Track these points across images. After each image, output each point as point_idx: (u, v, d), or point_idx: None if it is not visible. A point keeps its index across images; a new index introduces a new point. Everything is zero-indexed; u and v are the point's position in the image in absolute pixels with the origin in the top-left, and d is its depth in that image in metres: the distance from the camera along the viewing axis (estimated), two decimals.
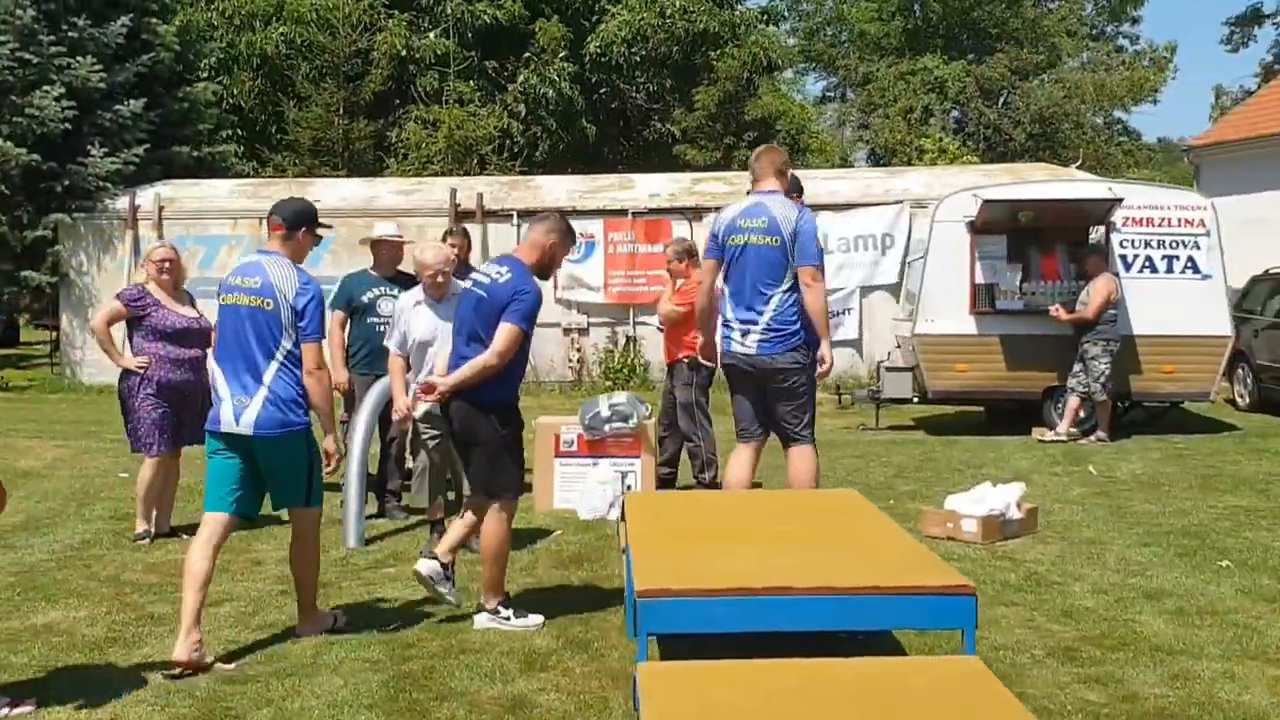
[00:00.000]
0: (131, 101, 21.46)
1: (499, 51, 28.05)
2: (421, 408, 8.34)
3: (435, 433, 8.34)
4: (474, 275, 6.88)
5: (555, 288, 19.30)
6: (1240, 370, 16.03)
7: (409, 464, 9.32)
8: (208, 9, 27.32)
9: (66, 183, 20.47)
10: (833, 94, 42.33)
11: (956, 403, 15.13)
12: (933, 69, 33.53)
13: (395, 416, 8.42)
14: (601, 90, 29.79)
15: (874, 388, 15.40)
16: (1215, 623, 6.52)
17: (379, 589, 7.36)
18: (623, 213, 19.31)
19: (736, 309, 7.53)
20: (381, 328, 9.29)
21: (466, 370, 6.40)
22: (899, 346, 15.68)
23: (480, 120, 26.09)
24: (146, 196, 20.29)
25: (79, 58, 20.96)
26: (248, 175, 25.08)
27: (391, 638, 6.33)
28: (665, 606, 4.22)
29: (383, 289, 9.51)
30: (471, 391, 6.42)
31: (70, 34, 21.18)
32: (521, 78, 26.99)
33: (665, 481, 10.21)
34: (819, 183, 18.74)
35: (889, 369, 15.09)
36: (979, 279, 14.06)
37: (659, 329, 10.97)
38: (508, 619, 6.48)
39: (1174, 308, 13.69)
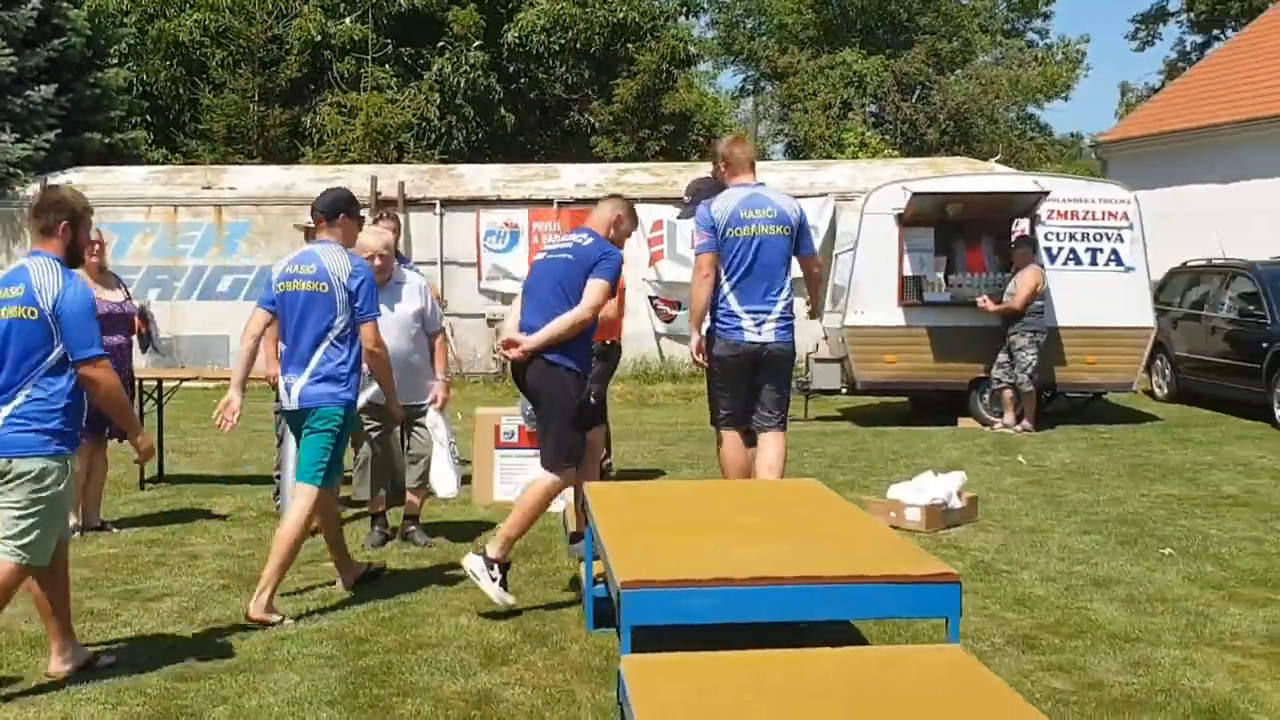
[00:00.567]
0: (42, 87, 20.92)
1: (415, 38, 27.73)
2: (363, 398, 8.20)
3: (377, 424, 8.19)
4: (551, 245, 6.99)
5: (479, 278, 19.16)
6: (1159, 361, 16.30)
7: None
8: None
9: None
10: (751, 87, 42.48)
11: (885, 394, 15.23)
12: (851, 63, 33.71)
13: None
14: (520, 80, 29.58)
15: (803, 379, 15.43)
16: (1167, 610, 6.58)
17: (323, 583, 7.20)
18: (548, 202, 19.17)
19: (745, 300, 7.41)
20: None
21: (556, 326, 6.49)
22: (825, 338, 15.73)
23: (398, 107, 25.77)
24: (58, 183, 19.77)
25: None
26: (159, 163, 24.57)
27: (343, 632, 6.20)
28: (648, 598, 4.15)
29: None
30: (552, 354, 6.52)
31: None
32: (436, 65, 26.70)
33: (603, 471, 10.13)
34: None
35: (818, 360, 15.14)
36: (907, 271, 14.16)
37: None
38: (494, 579, 6.42)
39: (1097, 299, 13.88)
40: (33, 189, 19.62)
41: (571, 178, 20.10)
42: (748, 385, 7.47)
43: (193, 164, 23.91)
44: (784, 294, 7.49)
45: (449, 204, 19.16)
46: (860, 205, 14.44)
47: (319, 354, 6.54)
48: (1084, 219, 14.08)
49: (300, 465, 6.64)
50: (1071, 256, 14.06)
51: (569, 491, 8.98)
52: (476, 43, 26.59)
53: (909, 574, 4.18)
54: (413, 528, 8.30)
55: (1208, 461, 11.68)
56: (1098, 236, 14.06)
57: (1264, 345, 13.97)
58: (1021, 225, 14.36)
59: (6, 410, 5.26)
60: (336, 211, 6.79)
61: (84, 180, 19.98)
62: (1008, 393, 13.58)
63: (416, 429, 8.27)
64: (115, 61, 24.97)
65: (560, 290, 6.57)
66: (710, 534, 5.00)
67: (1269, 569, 7.47)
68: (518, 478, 9.56)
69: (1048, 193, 13.83)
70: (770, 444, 7.45)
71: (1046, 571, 7.40)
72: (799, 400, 15.56)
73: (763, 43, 38.86)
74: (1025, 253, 13.59)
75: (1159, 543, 8.17)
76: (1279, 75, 23.92)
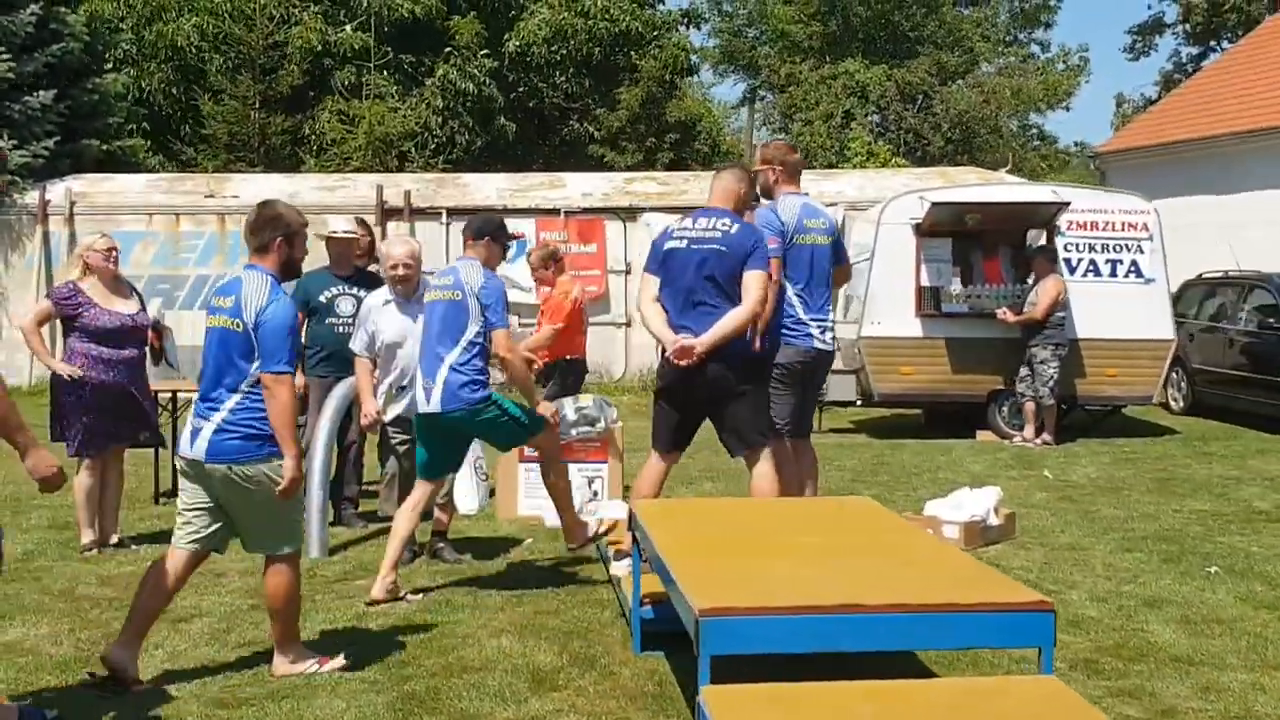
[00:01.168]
0: (41, 93, 20.67)
1: (416, 47, 27.55)
2: (392, 411, 8.03)
3: (405, 437, 8.02)
4: (690, 233, 6.90)
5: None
6: (1175, 374, 16.14)
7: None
8: None
9: None
10: (752, 96, 42.30)
11: (901, 406, 15.07)
12: (854, 73, 33.57)
13: (363, 421, 8.06)
14: (519, 89, 29.40)
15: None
16: (1225, 631, 6.42)
17: (356, 603, 7.00)
18: (555, 212, 18.99)
19: (809, 308, 7.46)
20: (340, 329, 8.93)
21: (726, 327, 6.62)
22: (840, 349, 15.54)
23: (401, 116, 25.57)
24: (57, 191, 19.58)
25: None
26: (156, 170, 24.33)
27: (383, 655, 6.00)
28: (729, 626, 3.97)
29: (341, 288, 9.11)
30: (726, 348, 6.64)
31: None
32: (440, 72, 26.52)
33: None
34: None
35: (832, 371, 14.92)
36: (924, 281, 13.99)
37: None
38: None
39: (1117, 312, 13.72)
40: (31, 196, 19.40)
41: (578, 187, 19.92)
42: (805, 392, 7.51)
43: (192, 172, 23.67)
44: (829, 302, 7.60)
45: (455, 213, 18.94)
46: (877, 215, 14.27)
47: (452, 357, 6.95)
48: (1103, 230, 13.93)
49: (508, 437, 7.44)
50: (1091, 268, 13.90)
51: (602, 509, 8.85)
52: (483, 50, 26.39)
53: (1004, 602, 4.01)
54: (441, 544, 8.10)
55: (1234, 476, 11.53)
56: (1117, 248, 13.91)
57: None
58: (1034, 236, 14.25)
59: (218, 418, 5.50)
60: (483, 234, 7.33)
61: (84, 188, 19.79)
62: (1030, 405, 13.41)
63: None
64: (112, 67, 24.74)
65: (715, 285, 6.65)
66: (778, 556, 4.83)
67: None
68: (541, 492, 9.38)
69: (1068, 203, 13.69)
70: (806, 450, 7.61)
71: (1095, 591, 7.23)
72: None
73: (764, 52, 38.74)
74: (1045, 263, 13.43)
75: (1203, 560, 8.02)
76: (1275, 88, 23.89)
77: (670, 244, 6.87)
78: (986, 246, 14.36)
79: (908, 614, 3.97)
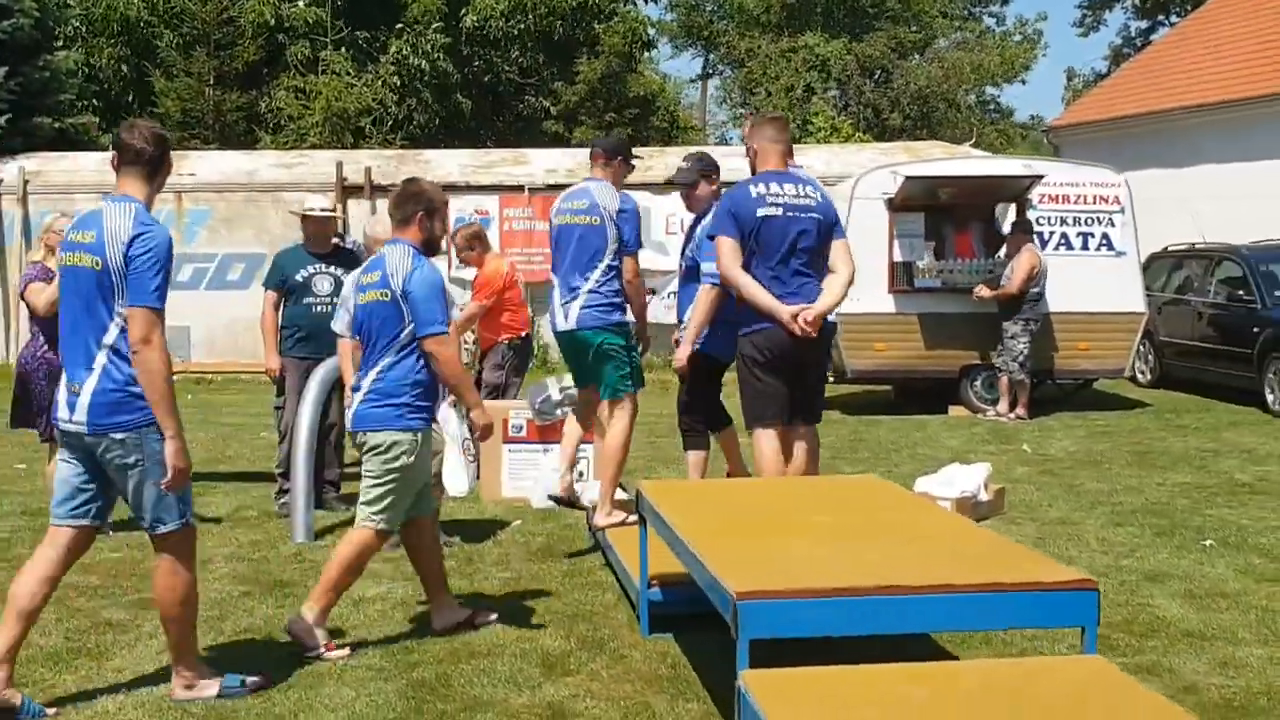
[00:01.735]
0: None
1: (370, 21, 27.17)
2: None
3: None
4: (789, 200, 6.64)
5: (449, 266, 18.73)
6: (1142, 347, 16.18)
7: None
8: None
9: None
10: (706, 71, 42.15)
11: (875, 382, 15.01)
12: (814, 46, 33.46)
13: (349, 403, 7.87)
14: (474, 64, 29.09)
15: None
16: (1231, 605, 6.40)
17: (350, 589, 6.83)
18: (519, 189, 18.78)
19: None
20: (318, 308, 8.74)
21: (838, 293, 6.65)
22: None
23: (357, 92, 25.23)
24: (10, 170, 19.18)
25: None
26: (107, 148, 23.84)
27: (386, 640, 5.87)
28: (768, 609, 3.86)
29: (318, 267, 8.90)
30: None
31: None
32: (394, 48, 26.19)
33: None
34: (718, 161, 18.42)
35: None
36: (897, 257, 13.92)
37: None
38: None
39: (1089, 284, 13.72)
40: None
41: (542, 163, 19.72)
42: None
43: None
44: None
45: None
46: (849, 191, 14.18)
47: (591, 281, 7.03)
48: (1075, 203, 13.93)
49: (605, 387, 7.22)
50: (1063, 241, 13.91)
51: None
52: (438, 24, 26.06)
53: (1046, 581, 3.93)
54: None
55: (1211, 449, 11.56)
56: (1089, 221, 13.92)
57: (1254, 330, 13.89)
58: (1003, 210, 14.24)
59: (365, 387, 5.77)
60: (617, 153, 7.32)
61: (38, 166, 19.40)
62: (1003, 380, 13.40)
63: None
64: (61, 44, 24.26)
65: (811, 254, 6.61)
66: (802, 536, 4.72)
67: None
68: (527, 473, 9.28)
69: (1042, 177, 13.65)
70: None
71: (1094, 566, 7.18)
72: None
73: (723, 27, 38.54)
74: (1021, 235, 13.39)
75: (1195, 534, 8.01)
76: (1227, 60, 24.05)
77: (764, 211, 6.56)
78: (957, 221, 14.29)
79: (950, 594, 3.88)
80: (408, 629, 6.07)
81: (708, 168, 7.82)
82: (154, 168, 5.12)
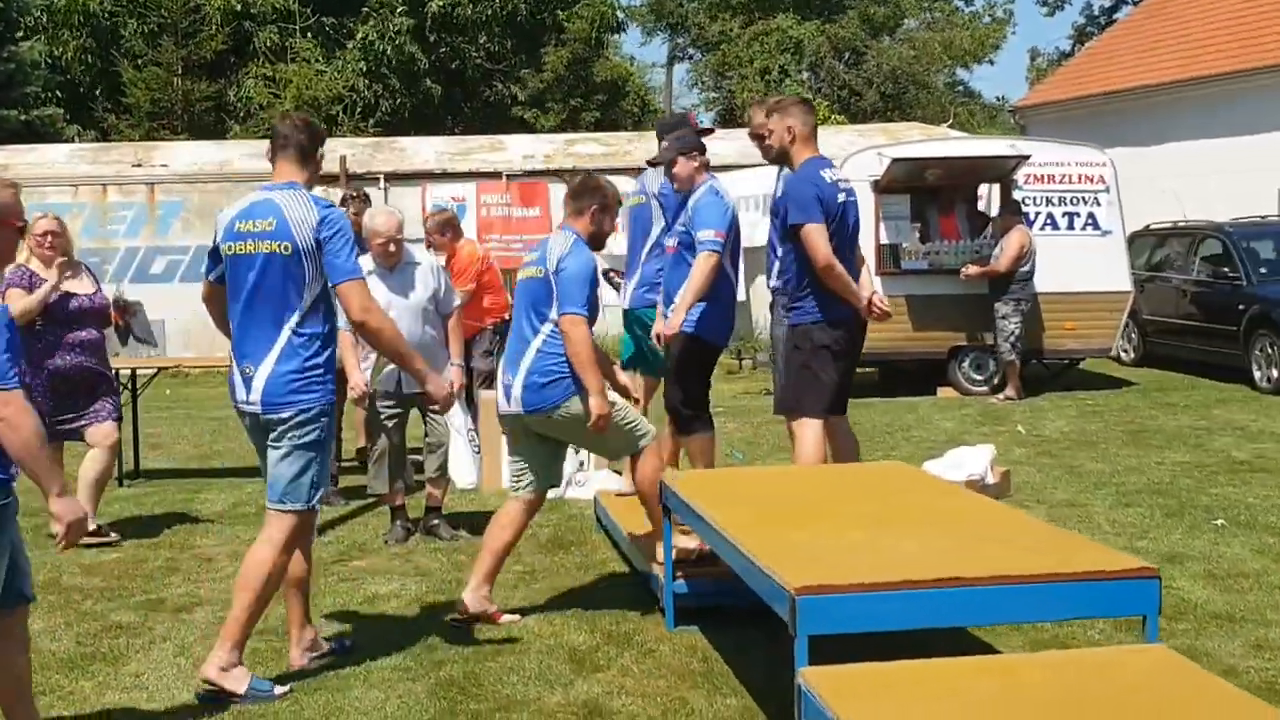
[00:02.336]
0: None
1: (337, 8, 26.88)
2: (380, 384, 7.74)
3: (395, 411, 7.74)
4: (844, 184, 6.68)
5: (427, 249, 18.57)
6: (1126, 325, 16.19)
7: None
8: None
9: None
10: (674, 56, 41.93)
11: (862, 365, 14.86)
12: (787, 29, 33.32)
13: (352, 395, 7.74)
14: (441, 49, 28.82)
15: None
16: (1254, 586, 6.37)
17: (363, 585, 6.73)
18: (496, 175, 18.61)
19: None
20: None
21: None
22: None
23: (328, 79, 24.96)
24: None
25: None
26: (73, 140, 23.54)
27: (407, 639, 5.76)
28: (829, 605, 3.78)
29: None
30: None
31: None
32: (361, 33, 25.91)
33: None
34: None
35: None
36: (883, 239, 13.86)
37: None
38: None
39: (1075, 264, 13.70)
40: None
41: (519, 149, 19.55)
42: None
43: (113, 141, 22.92)
44: None
45: (393, 178, 18.52)
46: None
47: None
48: (1060, 182, 13.92)
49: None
50: (1049, 221, 13.89)
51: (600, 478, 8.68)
52: (403, 9, 25.79)
53: (1108, 570, 3.86)
54: (435, 521, 7.86)
55: (1204, 427, 11.56)
56: (1074, 200, 13.91)
57: (1240, 307, 13.91)
58: (986, 190, 14.23)
59: (526, 364, 5.87)
60: (671, 129, 7.55)
61: (6, 159, 19.04)
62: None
63: (432, 417, 7.82)
64: (23, 35, 23.91)
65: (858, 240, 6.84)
66: (843, 527, 4.64)
67: None
68: None
69: (1027, 157, 13.63)
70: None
71: (1111, 548, 7.13)
72: (767, 374, 15.26)
73: (693, 9, 38.32)
74: (1010, 215, 13.36)
75: (1205, 514, 7.98)
76: (1192, 39, 24.15)
77: (841, 196, 6.57)
78: (942, 203, 14.25)
79: (1011, 585, 3.81)
80: (427, 626, 5.95)
81: (685, 145, 7.54)
82: (306, 153, 5.30)
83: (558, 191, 18.36)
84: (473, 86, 30.07)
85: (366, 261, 7.76)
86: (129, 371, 9.93)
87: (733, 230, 6.86)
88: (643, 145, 18.66)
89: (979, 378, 13.76)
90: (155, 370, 10.73)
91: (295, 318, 5.07)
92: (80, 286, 8.00)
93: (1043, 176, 13.88)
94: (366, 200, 9.72)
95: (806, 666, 3.75)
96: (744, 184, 18.59)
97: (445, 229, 10.04)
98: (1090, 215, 13.88)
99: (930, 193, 14.21)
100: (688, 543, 5.89)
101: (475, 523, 8.10)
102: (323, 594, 6.50)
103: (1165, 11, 26.33)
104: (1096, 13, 41.12)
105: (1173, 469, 9.59)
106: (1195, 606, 6.03)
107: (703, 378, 7.46)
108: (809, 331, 6.58)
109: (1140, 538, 7.39)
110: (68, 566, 7.18)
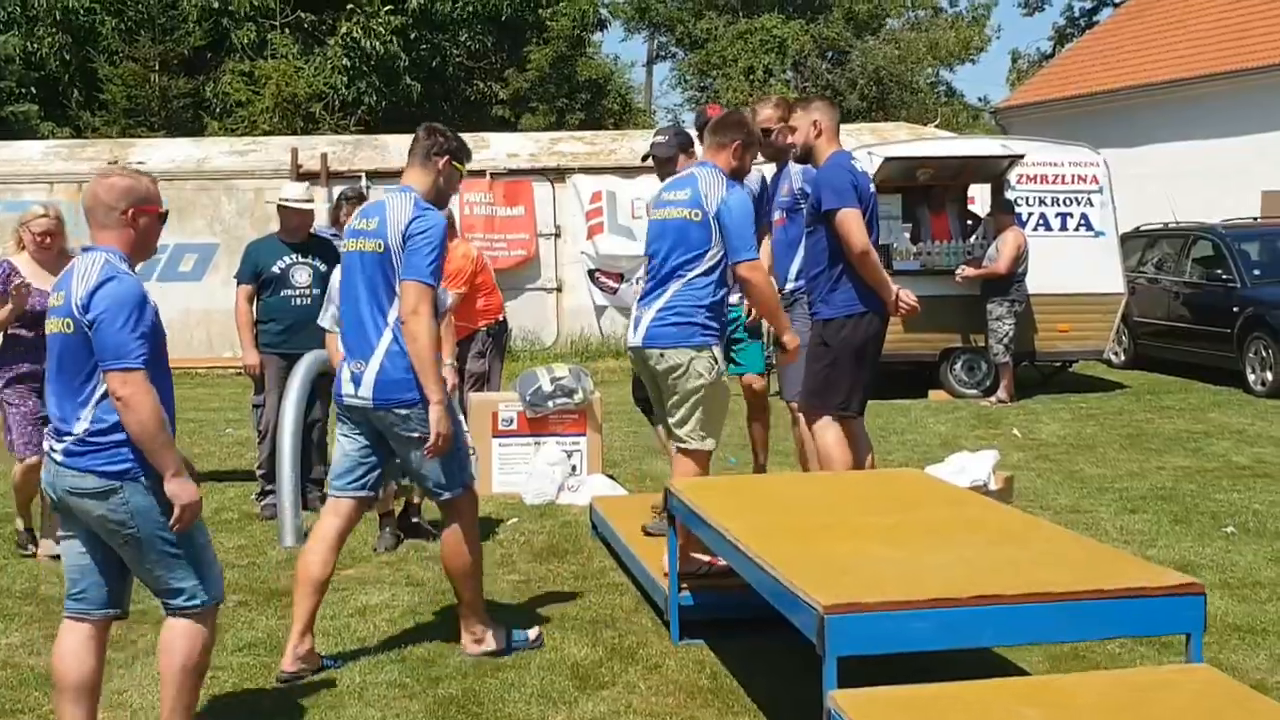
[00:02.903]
0: None
1: (316, 4, 26.55)
2: None
3: None
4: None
5: None
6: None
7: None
8: None
9: None
10: (654, 55, 41.69)
11: None
12: (771, 28, 33.14)
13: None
14: (422, 47, 28.51)
15: (768, 353, 14.92)
16: (1271, 596, 6.22)
17: (354, 596, 6.50)
18: (480, 173, 18.34)
19: None
20: (297, 300, 8.37)
21: None
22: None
23: (307, 76, 24.64)
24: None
25: None
26: (48, 136, 23.19)
27: (403, 654, 5.53)
28: (860, 624, 3.58)
29: (295, 257, 8.48)
30: None
31: None
32: (343, 29, 25.62)
33: None
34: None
35: None
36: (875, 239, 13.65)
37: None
38: None
39: (1068, 265, 13.54)
40: None
41: (502, 147, 19.27)
42: None
43: (89, 138, 22.58)
44: None
45: (375, 176, 18.22)
46: None
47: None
48: (1053, 183, 13.75)
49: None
50: (1042, 222, 13.72)
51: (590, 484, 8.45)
52: (387, 6, 25.50)
53: (1151, 586, 3.67)
54: (415, 519, 7.65)
55: (1200, 430, 11.41)
56: (1068, 201, 13.75)
57: (1234, 310, 13.77)
58: (976, 190, 14.06)
59: (657, 305, 5.81)
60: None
61: None
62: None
63: None
64: None
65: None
66: (864, 539, 4.43)
67: None
68: (520, 468, 8.95)
69: (1021, 156, 13.46)
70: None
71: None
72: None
73: (675, 7, 38.07)
74: (1004, 216, 13.19)
75: (1212, 520, 7.82)
76: (1172, 41, 24.12)
77: (873, 187, 6.54)
78: (932, 203, 14.08)
79: (1051, 604, 3.61)
80: (421, 639, 5.73)
81: (685, 142, 7.42)
82: (428, 156, 5.38)
83: (541, 190, 18.20)
84: (453, 85, 29.77)
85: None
86: None
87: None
88: (626, 144, 18.47)
89: (971, 380, 13.59)
90: None
91: (392, 315, 5.18)
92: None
93: (1035, 176, 13.72)
94: (363, 201, 9.46)
95: (836, 690, 3.54)
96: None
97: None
98: (1083, 216, 13.72)
99: (920, 192, 14.03)
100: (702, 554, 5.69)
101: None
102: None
103: (1146, 14, 26.30)
104: (1077, 14, 41.14)
105: (1174, 474, 9.43)
106: (1214, 618, 5.82)
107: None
108: (838, 326, 6.42)
109: (1150, 546, 7.22)
110: (47, 577, 6.94)
